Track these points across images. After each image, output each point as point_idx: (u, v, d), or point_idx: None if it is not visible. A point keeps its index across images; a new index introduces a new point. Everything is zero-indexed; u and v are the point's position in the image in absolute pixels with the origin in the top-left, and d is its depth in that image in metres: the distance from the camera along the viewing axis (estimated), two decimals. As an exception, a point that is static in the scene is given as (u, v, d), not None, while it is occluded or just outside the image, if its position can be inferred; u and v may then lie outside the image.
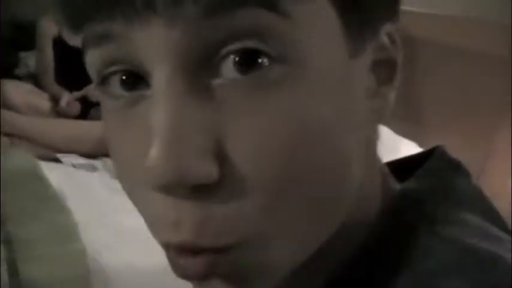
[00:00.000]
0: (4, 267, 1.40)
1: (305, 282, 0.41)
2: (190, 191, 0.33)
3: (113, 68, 0.36)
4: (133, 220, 1.76)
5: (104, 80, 0.37)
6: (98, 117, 2.74)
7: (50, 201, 1.67)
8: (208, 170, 0.32)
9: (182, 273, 0.37)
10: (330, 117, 0.35)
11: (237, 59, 0.32)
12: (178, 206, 0.34)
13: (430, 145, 0.49)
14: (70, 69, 2.89)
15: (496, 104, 1.91)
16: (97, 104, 2.85)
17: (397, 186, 0.45)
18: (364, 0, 0.36)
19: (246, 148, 0.33)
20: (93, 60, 0.36)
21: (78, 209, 1.71)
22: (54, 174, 1.84)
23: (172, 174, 0.31)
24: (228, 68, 0.33)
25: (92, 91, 2.82)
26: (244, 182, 0.33)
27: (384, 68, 0.41)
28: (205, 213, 0.34)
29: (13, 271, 1.40)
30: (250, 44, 0.32)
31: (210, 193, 0.33)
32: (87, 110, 2.87)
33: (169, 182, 0.32)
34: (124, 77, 0.36)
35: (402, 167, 0.48)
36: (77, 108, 2.81)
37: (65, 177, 1.94)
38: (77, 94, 2.81)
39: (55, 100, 2.80)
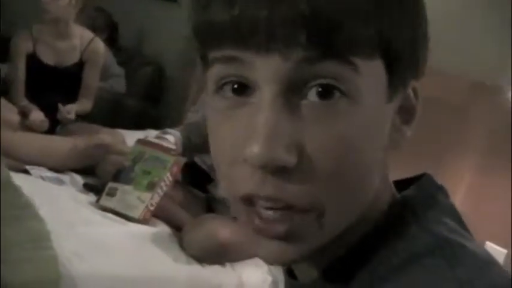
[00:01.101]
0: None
1: (329, 251, 0.56)
2: (276, 170, 0.48)
3: (229, 79, 0.51)
4: (100, 231, 1.86)
5: (220, 86, 0.52)
6: (64, 134, 2.82)
7: (24, 209, 1.74)
8: (289, 159, 0.48)
9: (256, 227, 0.51)
10: (367, 137, 0.51)
11: (320, 89, 0.49)
12: (267, 179, 0.49)
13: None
14: (41, 86, 2.98)
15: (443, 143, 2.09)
16: (63, 122, 2.93)
17: (398, 194, 0.60)
18: (402, 64, 0.53)
19: (316, 148, 0.49)
20: (217, 71, 0.51)
21: (48, 218, 1.79)
22: (25, 185, 1.91)
23: (267, 158, 0.47)
24: (313, 94, 0.49)
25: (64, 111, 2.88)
26: (311, 169, 0.49)
27: (406, 112, 0.57)
28: (283, 185, 0.49)
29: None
30: (330, 81, 0.48)
31: (288, 173, 0.48)
32: (54, 126, 2.94)
33: (265, 163, 0.47)
34: (236, 86, 0.51)
35: (399, 185, 0.63)
36: (45, 124, 2.87)
37: (34, 188, 2.01)
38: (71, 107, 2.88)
39: (24, 114, 2.86)
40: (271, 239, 0.51)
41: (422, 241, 0.53)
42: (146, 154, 2.27)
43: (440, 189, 0.61)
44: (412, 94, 0.57)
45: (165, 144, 2.30)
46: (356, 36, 0.48)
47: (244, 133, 0.49)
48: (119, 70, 3.92)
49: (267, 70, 0.48)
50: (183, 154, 2.36)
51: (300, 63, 0.48)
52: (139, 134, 2.92)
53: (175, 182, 2.32)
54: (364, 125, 0.50)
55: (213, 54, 0.51)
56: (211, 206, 2.46)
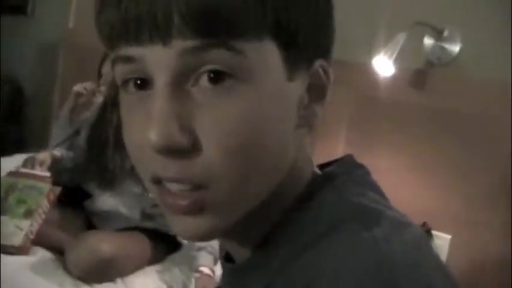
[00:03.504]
0: None
1: (253, 229, 0.61)
2: (174, 152, 0.51)
3: (131, 75, 0.55)
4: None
5: (125, 83, 0.56)
6: None
7: None
8: (182, 141, 0.51)
9: (166, 203, 0.55)
10: (268, 116, 0.54)
11: (211, 75, 0.51)
12: (166, 161, 0.52)
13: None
14: None
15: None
16: None
17: (320, 171, 0.64)
18: (299, 43, 0.55)
19: (208, 129, 0.51)
20: (119, 70, 0.55)
21: None
22: None
23: (162, 143, 0.50)
24: (204, 80, 0.52)
25: None
26: (206, 149, 0.51)
27: (316, 90, 0.59)
28: (183, 166, 0.52)
29: None
30: (217, 67, 0.51)
31: (186, 155, 0.52)
32: None
33: (162, 147, 0.50)
34: (138, 82, 0.54)
35: (322, 167, 0.67)
36: None
37: None
38: None
39: None
40: (180, 214, 0.55)
41: (342, 210, 0.57)
42: (19, 184, 2.19)
43: (361, 167, 0.66)
44: (321, 72, 0.59)
45: (38, 172, 2.21)
46: (234, 22, 0.50)
47: (145, 122, 0.52)
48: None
49: (155, 62, 0.52)
50: (72, 176, 2.32)
51: (184, 53, 0.51)
52: (5, 160, 2.78)
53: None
54: (260, 104, 0.53)
55: (113, 54, 0.55)
56: (92, 222, 2.37)
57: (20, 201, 2.14)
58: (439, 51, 2.37)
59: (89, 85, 2.52)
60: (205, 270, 2.13)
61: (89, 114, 2.48)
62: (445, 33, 2.34)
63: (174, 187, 0.54)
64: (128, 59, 0.53)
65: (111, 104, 2.31)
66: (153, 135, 0.50)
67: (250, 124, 0.52)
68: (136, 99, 0.55)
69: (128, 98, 0.56)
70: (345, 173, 0.63)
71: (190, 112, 0.52)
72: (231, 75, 0.51)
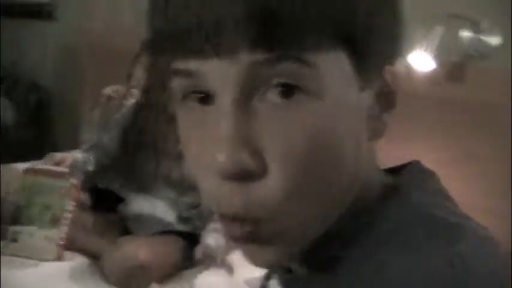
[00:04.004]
0: None
1: (321, 242, 0.54)
2: (241, 177, 0.47)
3: (191, 89, 0.50)
4: (10, 275, 1.75)
5: (184, 97, 0.51)
6: None
7: None
8: (252, 163, 0.47)
9: (233, 236, 0.51)
10: (340, 132, 0.50)
11: (280, 89, 0.47)
12: (233, 188, 0.48)
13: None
14: None
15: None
16: None
17: (390, 180, 0.59)
18: (369, 51, 0.51)
19: (276, 149, 0.48)
20: (178, 84, 0.51)
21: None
22: None
23: (232, 169, 0.46)
24: (272, 94, 0.48)
25: None
26: (272, 170, 0.48)
27: (386, 98, 0.55)
28: (248, 193, 0.48)
29: None
30: (288, 80, 0.47)
31: (254, 181, 0.48)
32: None
33: (230, 171, 0.47)
34: (199, 96, 0.50)
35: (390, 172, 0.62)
36: None
37: None
38: None
39: None
40: (248, 244, 0.51)
41: (418, 224, 0.52)
42: (39, 184, 2.13)
43: (432, 174, 0.61)
44: (390, 78, 0.55)
45: (55, 168, 2.19)
46: (305, 33, 0.47)
47: (210, 143, 0.48)
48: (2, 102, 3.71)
49: (219, 78, 0.48)
50: (94, 178, 2.28)
51: (251, 67, 0.47)
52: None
53: (84, 209, 2.21)
54: (332, 120, 0.49)
55: (172, 66, 0.50)
56: (127, 226, 2.35)
57: (44, 207, 2.10)
58: (477, 43, 2.30)
59: (119, 88, 2.49)
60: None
61: (118, 117, 2.45)
62: (483, 25, 2.28)
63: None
64: (188, 73, 0.50)
65: (146, 107, 2.29)
66: (223, 158, 0.46)
67: (322, 142, 0.49)
68: (198, 116, 0.51)
69: (188, 113, 0.52)
70: (417, 182, 0.58)
71: (257, 131, 0.48)
72: (301, 89, 0.47)
